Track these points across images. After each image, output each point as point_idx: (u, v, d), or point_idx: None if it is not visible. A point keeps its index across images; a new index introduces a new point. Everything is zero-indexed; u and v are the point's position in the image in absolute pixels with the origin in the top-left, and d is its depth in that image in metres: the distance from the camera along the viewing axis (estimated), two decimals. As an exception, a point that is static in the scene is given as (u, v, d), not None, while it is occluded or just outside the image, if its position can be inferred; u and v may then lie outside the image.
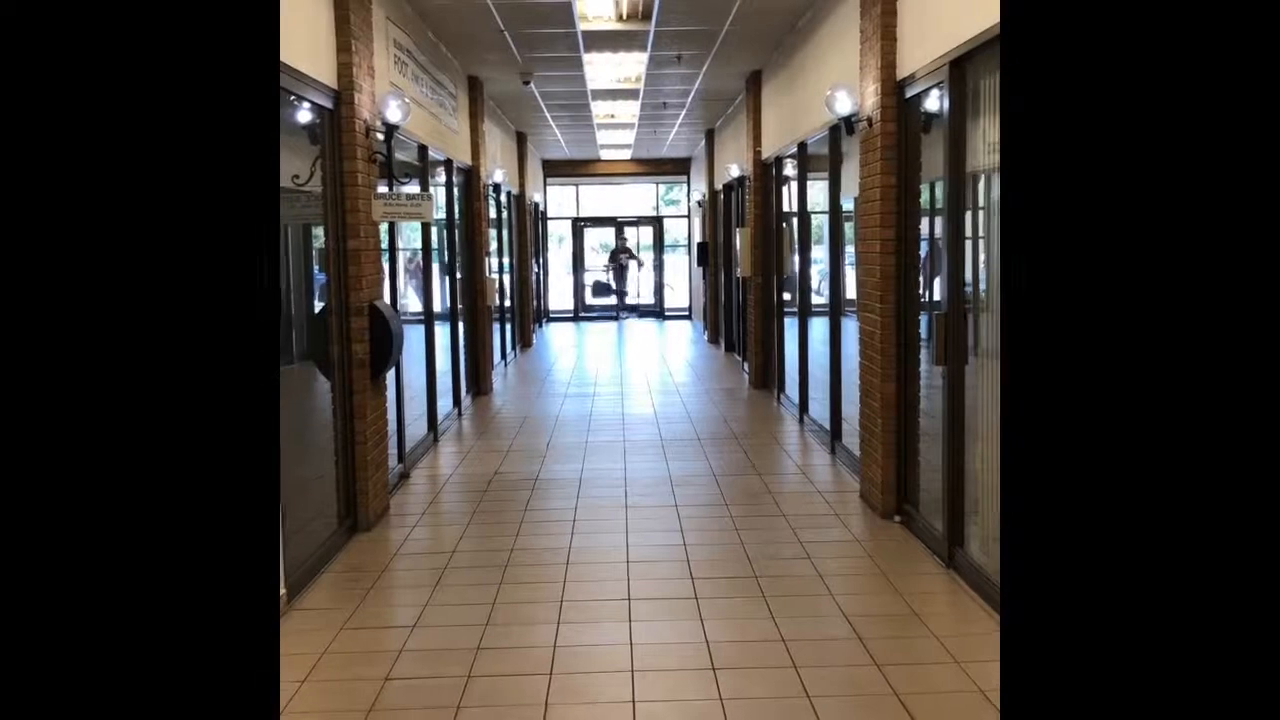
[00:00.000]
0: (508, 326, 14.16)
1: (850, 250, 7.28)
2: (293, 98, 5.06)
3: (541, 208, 19.50)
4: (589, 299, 21.77)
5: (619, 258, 21.59)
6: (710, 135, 15.30)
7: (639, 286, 21.91)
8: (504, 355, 13.56)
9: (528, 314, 16.01)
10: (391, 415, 6.55)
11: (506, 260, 14.21)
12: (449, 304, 9.66)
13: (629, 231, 21.56)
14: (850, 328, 7.06)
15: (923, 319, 5.63)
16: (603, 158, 19.52)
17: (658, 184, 21.64)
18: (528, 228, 16.02)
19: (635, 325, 19.73)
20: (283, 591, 4.42)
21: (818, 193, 8.42)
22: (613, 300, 21.78)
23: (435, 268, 8.86)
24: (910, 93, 5.48)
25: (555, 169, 20.06)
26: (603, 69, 10.32)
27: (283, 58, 4.62)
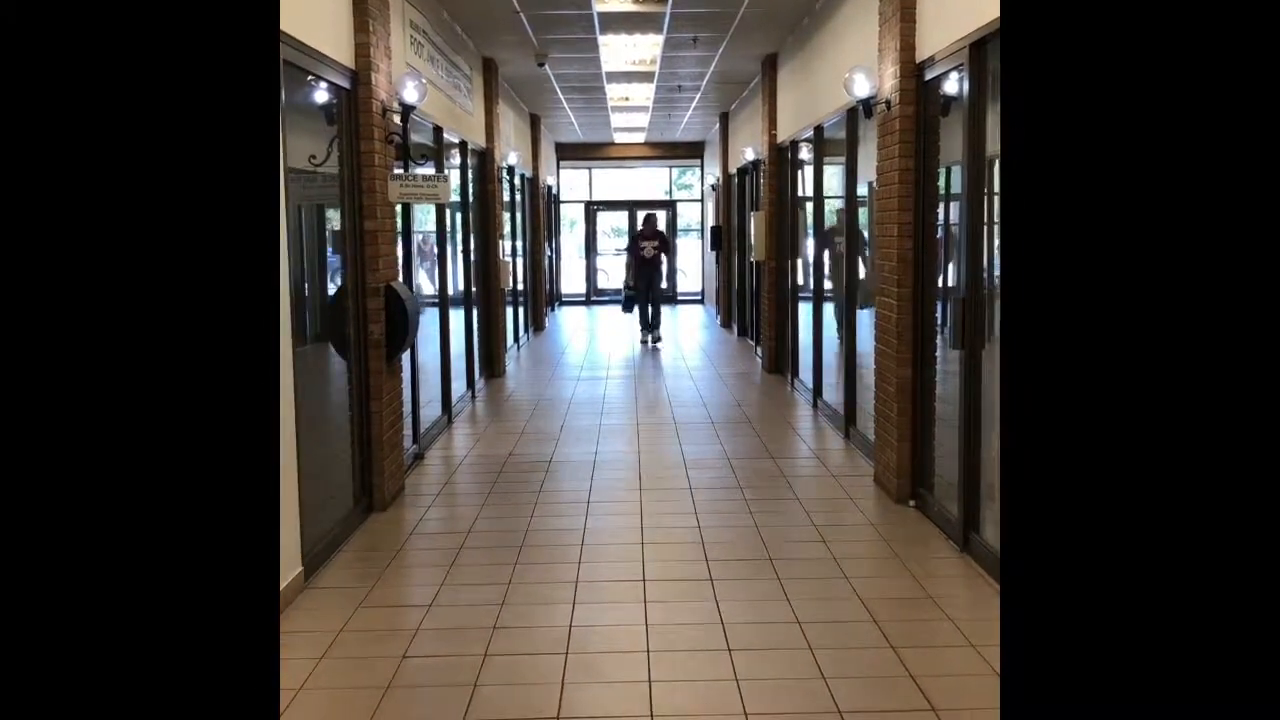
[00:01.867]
0: (520, 309, 14.16)
1: (865, 234, 7.25)
2: (310, 78, 5.06)
3: (555, 191, 19.48)
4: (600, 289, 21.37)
5: (640, 247, 14.33)
6: (725, 119, 15.25)
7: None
8: (517, 338, 13.57)
9: (540, 297, 16.02)
10: (406, 396, 6.57)
11: (519, 243, 14.21)
12: (463, 286, 9.67)
13: (642, 216, 21.24)
14: (865, 312, 7.04)
15: (939, 303, 5.61)
16: (616, 141, 19.47)
17: (671, 168, 21.60)
18: (541, 211, 16.01)
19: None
20: (299, 570, 4.44)
21: (833, 177, 8.39)
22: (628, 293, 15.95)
23: (449, 250, 8.87)
24: (929, 75, 5.44)
25: (568, 152, 20.03)
26: (618, 51, 10.28)
27: (301, 37, 4.62)
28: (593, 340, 14.83)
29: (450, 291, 8.77)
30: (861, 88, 6.15)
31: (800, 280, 9.90)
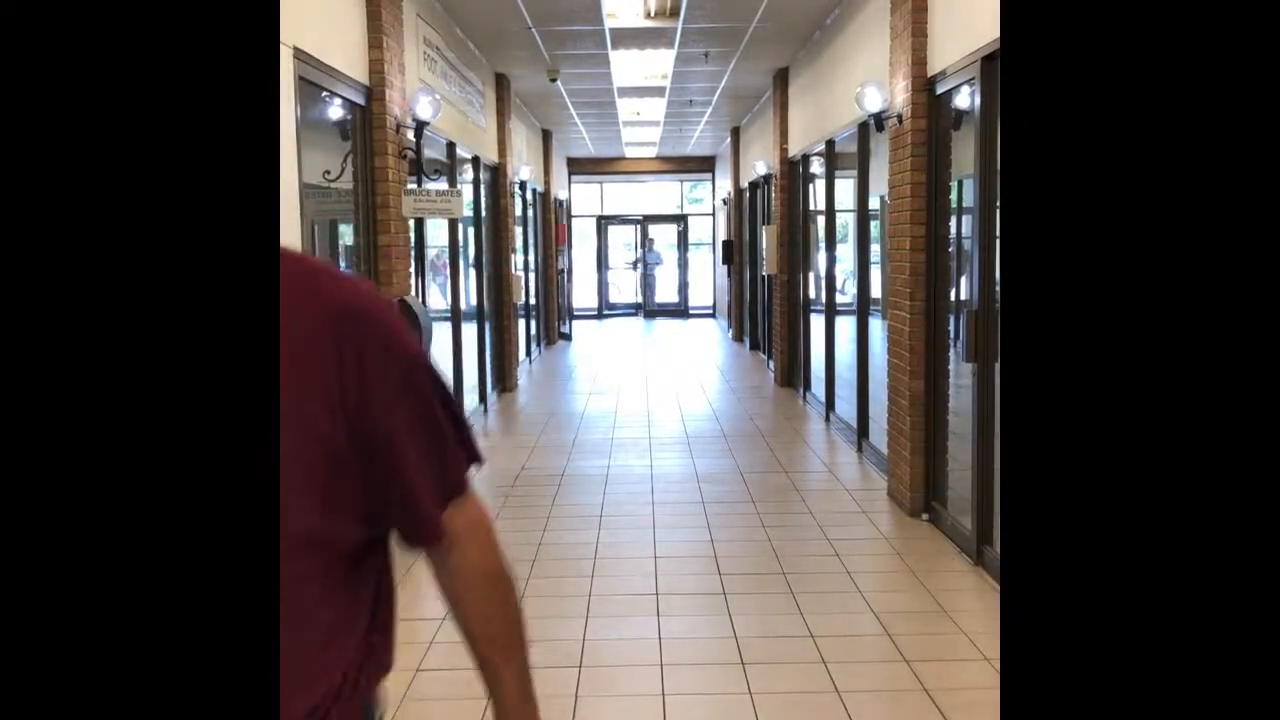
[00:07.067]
0: (532, 323, 14.21)
1: (876, 248, 7.26)
2: (325, 94, 5.10)
3: (567, 205, 19.56)
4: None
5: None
6: (736, 133, 15.29)
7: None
8: (529, 352, 13.61)
9: (553, 311, 16.07)
10: (420, 410, 6.58)
11: (532, 258, 14.26)
12: (475, 301, 9.70)
13: (654, 230, 21.41)
14: (877, 326, 7.04)
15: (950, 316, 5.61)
16: (627, 155, 19.53)
17: (682, 182, 21.65)
18: (552, 225, 16.07)
19: (659, 323, 19.69)
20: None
21: (845, 191, 8.41)
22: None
23: (462, 265, 8.91)
24: (941, 89, 5.46)
25: (580, 166, 20.09)
26: (629, 66, 10.33)
27: (316, 54, 4.66)
28: (605, 354, 14.85)
29: (463, 306, 8.81)
30: (873, 101, 6.17)
31: (812, 294, 9.90)
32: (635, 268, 21.67)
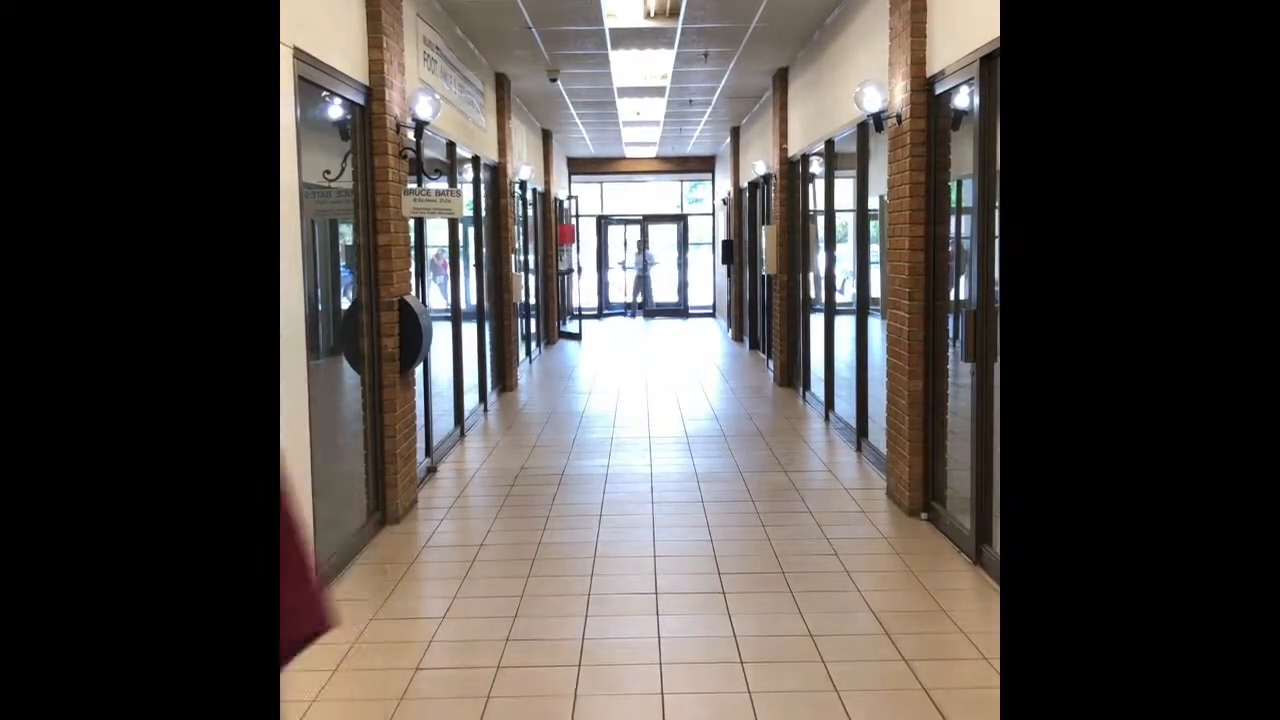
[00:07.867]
0: (533, 323, 14.20)
1: (876, 248, 7.26)
2: (325, 94, 5.10)
3: (566, 205, 19.55)
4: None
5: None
6: (735, 133, 15.29)
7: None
8: (529, 352, 13.61)
9: (553, 311, 16.07)
10: (419, 410, 6.59)
11: (532, 257, 14.26)
12: (475, 300, 9.70)
13: (654, 230, 21.44)
14: (876, 325, 7.05)
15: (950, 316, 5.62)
16: (627, 155, 19.53)
17: (682, 182, 21.66)
18: (553, 225, 16.07)
19: (659, 323, 19.68)
20: (313, 582, 4.45)
21: (844, 191, 8.41)
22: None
23: (462, 264, 8.91)
24: (940, 89, 5.46)
25: (580, 166, 20.08)
26: (629, 66, 10.33)
27: (316, 54, 4.66)
28: (604, 353, 14.85)
29: (463, 305, 8.81)
30: (872, 102, 6.17)
31: (811, 293, 9.91)
32: (625, 268, 21.72)
